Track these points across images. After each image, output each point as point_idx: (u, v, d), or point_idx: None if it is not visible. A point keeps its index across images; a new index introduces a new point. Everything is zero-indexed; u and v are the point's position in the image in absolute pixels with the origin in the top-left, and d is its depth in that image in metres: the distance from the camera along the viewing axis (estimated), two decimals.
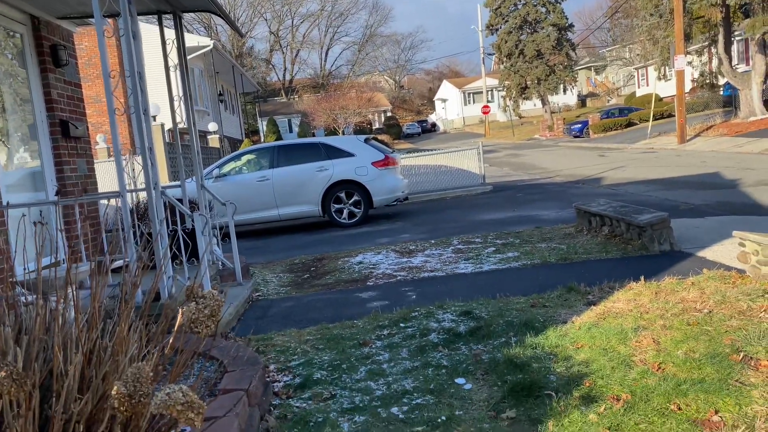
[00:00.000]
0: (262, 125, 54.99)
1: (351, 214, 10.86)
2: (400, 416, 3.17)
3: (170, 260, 4.94)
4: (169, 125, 23.35)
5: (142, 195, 9.46)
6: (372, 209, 10.98)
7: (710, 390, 3.01)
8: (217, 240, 6.22)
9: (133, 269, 4.58)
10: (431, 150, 17.41)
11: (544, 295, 4.93)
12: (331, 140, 11.39)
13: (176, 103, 6.51)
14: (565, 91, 49.25)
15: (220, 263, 6.31)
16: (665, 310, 4.21)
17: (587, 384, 3.25)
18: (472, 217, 10.38)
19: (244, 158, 11.44)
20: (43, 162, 5.69)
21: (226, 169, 11.09)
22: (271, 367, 3.99)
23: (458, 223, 9.84)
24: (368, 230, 10.16)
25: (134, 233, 5.09)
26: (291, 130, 56.65)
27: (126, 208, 4.49)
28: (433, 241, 8.08)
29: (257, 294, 6.19)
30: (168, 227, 5.30)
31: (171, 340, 2.35)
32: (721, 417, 2.81)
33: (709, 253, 5.94)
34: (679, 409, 2.90)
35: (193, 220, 5.48)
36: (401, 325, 4.50)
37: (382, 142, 13.75)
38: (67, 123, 5.89)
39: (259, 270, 7.51)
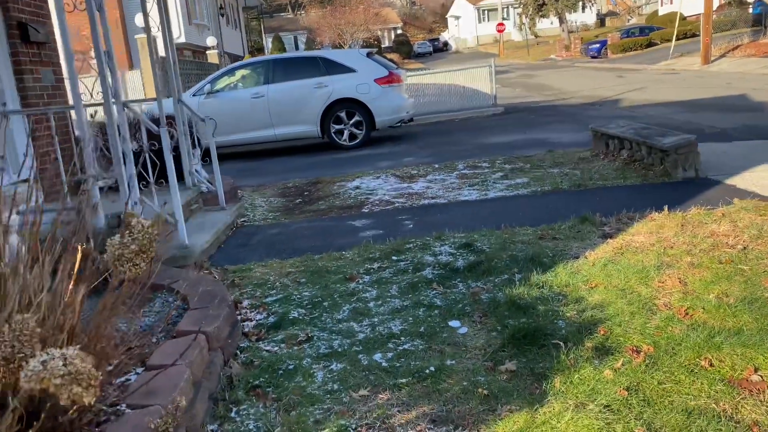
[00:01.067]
0: (267, 42, 53.11)
1: (352, 136, 10.23)
2: (383, 364, 2.74)
3: (142, 182, 4.45)
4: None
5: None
6: (374, 130, 10.34)
7: (748, 343, 2.55)
8: (197, 159, 5.70)
9: (94, 190, 4.09)
10: (442, 70, 16.47)
11: (554, 226, 4.42)
12: (330, 54, 10.59)
13: (150, 4, 5.81)
14: (584, 8, 46.76)
15: (204, 186, 5.81)
16: (693, 245, 3.70)
17: (602, 332, 2.80)
18: (480, 140, 9.76)
19: (238, 73, 10.72)
20: (0, 71, 5.09)
21: (219, 85, 10.39)
22: (245, 303, 3.56)
23: (465, 146, 9.23)
24: (369, 153, 9.58)
25: (100, 151, 4.57)
26: (297, 47, 54.77)
27: (82, 121, 3.95)
28: (436, 166, 7.51)
29: (243, 219, 5.73)
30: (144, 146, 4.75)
31: (69, 285, 1.87)
32: (761, 376, 2.36)
33: (739, 181, 5.37)
34: (711, 365, 2.45)
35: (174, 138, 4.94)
36: (393, 258, 4.03)
37: (387, 58, 12.91)
38: (27, 26, 5.24)
39: (249, 193, 7.02)
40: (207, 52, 21.10)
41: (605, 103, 13.78)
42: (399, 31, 63.53)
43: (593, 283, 3.34)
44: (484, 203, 5.49)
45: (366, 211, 5.64)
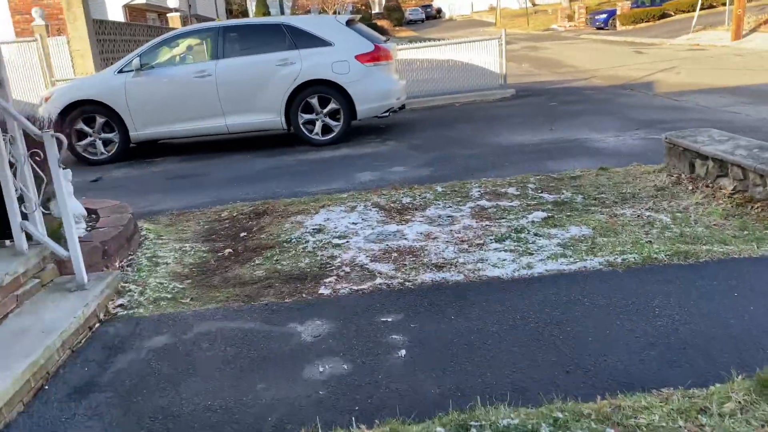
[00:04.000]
0: (251, 5, 49.90)
1: (326, 128, 7.84)
2: None
3: None
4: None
5: None
6: (355, 120, 7.97)
7: None
8: (33, 198, 3.33)
9: None
10: (437, 40, 13.97)
11: (704, 401, 2.14)
12: (299, 21, 8.08)
13: None
14: None
15: (56, 245, 3.44)
16: None
17: None
18: (494, 139, 7.42)
19: (182, 43, 8.24)
20: None
21: (154, 58, 7.91)
22: None
23: (476, 149, 6.89)
24: (347, 154, 7.22)
25: None
26: (282, 12, 51.46)
27: None
28: (439, 189, 5.16)
29: (119, 303, 3.39)
30: None
31: None
32: None
33: None
34: None
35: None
36: None
37: (377, 26, 10.40)
38: None
39: (160, 230, 4.68)
40: (168, 15, 18.30)
41: (637, 86, 11.43)
42: None
43: None
44: (529, 289, 3.19)
45: (326, 293, 3.33)
